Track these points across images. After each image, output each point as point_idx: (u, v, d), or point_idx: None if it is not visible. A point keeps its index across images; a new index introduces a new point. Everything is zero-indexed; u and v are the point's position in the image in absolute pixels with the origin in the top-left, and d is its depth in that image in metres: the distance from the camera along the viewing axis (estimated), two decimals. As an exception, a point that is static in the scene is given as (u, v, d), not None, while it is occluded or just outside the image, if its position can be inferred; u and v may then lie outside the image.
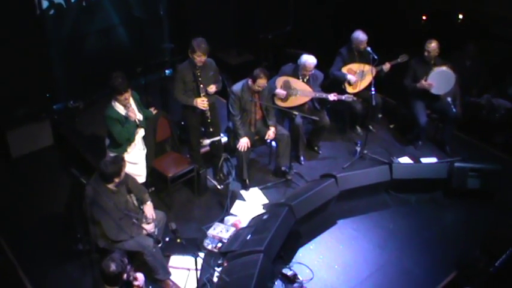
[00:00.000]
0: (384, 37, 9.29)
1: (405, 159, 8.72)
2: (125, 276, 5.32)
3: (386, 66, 8.96)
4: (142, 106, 7.15)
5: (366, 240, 7.40)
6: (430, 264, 7.01)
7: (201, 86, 7.56)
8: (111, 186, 6.17)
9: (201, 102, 7.59)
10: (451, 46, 9.13)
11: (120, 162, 6.17)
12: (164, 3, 10.37)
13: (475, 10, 9.69)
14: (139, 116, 6.87)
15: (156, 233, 6.39)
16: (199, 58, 7.40)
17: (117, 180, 6.15)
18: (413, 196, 8.12)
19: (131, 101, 6.81)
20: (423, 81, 8.68)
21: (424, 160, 8.71)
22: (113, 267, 5.21)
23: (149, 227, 6.29)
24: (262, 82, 7.74)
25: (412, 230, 7.57)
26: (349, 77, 8.91)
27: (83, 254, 6.82)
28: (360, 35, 8.87)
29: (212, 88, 7.65)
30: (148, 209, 6.50)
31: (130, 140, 6.89)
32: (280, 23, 11.25)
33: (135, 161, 7.02)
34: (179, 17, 10.36)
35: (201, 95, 7.59)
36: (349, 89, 8.97)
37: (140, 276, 5.60)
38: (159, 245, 6.33)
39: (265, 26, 10.85)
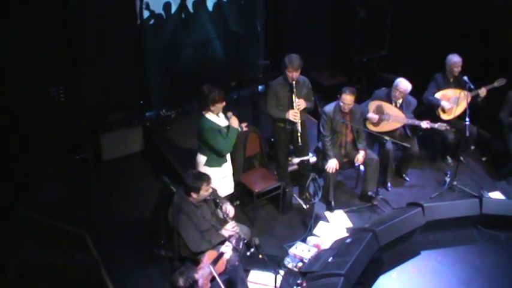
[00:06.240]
0: (479, 62, 9.05)
1: (497, 195, 8.41)
2: None
3: (482, 92, 8.68)
4: None
5: (450, 274, 7.17)
6: (517, 308, 6.75)
7: (294, 97, 7.53)
8: (191, 199, 6.26)
9: (294, 114, 7.55)
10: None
11: (202, 180, 6.20)
12: (262, 19, 10.46)
13: None
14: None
15: (240, 246, 6.42)
16: (291, 74, 7.43)
17: (194, 196, 6.23)
18: (503, 233, 7.80)
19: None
20: None
21: (516, 197, 8.39)
22: (180, 282, 5.25)
23: (230, 228, 6.32)
24: (346, 98, 7.72)
25: (500, 269, 7.27)
26: (443, 103, 8.71)
27: (164, 260, 6.89)
28: (454, 57, 8.70)
29: (301, 103, 7.60)
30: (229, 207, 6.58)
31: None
32: (376, 46, 11.18)
33: (225, 174, 7.11)
34: (276, 34, 10.43)
35: (295, 107, 7.57)
36: (444, 116, 8.78)
37: None
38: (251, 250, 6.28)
39: (360, 48, 10.80)
